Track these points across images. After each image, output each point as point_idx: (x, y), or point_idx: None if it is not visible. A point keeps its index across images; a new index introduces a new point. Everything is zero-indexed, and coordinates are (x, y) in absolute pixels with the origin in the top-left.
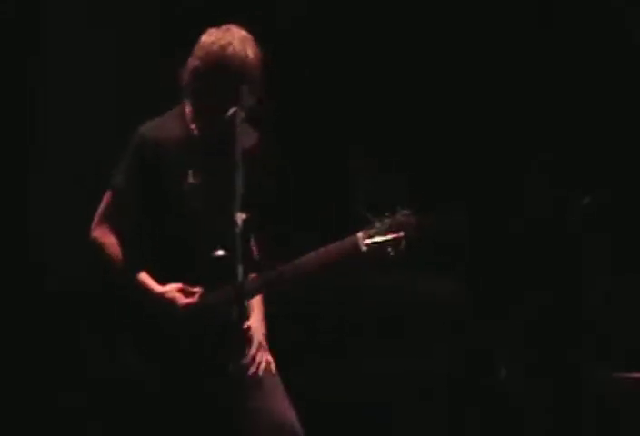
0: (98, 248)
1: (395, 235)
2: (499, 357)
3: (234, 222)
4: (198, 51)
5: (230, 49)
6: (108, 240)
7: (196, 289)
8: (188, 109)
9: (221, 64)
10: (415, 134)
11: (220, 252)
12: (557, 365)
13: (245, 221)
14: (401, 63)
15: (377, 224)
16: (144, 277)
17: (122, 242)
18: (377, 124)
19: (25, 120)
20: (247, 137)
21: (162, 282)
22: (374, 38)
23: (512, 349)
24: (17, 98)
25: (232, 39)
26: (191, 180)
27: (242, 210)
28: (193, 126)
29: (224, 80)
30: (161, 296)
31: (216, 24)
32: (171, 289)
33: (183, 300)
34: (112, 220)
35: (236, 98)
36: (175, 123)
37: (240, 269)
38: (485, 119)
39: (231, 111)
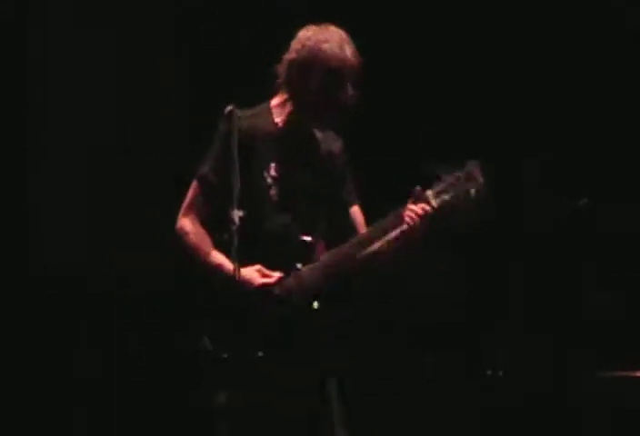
0: (182, 237)
1: (464, 187)
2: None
3: (231, 220)
4: (295, 44)
5: (325, 45)
6: (193, 228)
7: (275, 273)
8: (279, 102)
9: (316, 58)
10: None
11: (307, 238)
12: (557, 365)
13: (241, 218)
14: (402, 62)
15: (446, 178)
16: (222, 258)
17: (206, 230)
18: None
19: (25, 120)
20: (332, 143)
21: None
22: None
23: (512, 348)
24: (17, 98)
25: (329, 36)
26: (273, 173)
27: (238, 207)
28: (278, 119)
29: (318, 74)
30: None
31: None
32: (249, 269)
33: (259, 279)
34: (198, 209)
35: (334, 94)
36: (264, 115)
37: (237, 265)
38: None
39: (227, 108)
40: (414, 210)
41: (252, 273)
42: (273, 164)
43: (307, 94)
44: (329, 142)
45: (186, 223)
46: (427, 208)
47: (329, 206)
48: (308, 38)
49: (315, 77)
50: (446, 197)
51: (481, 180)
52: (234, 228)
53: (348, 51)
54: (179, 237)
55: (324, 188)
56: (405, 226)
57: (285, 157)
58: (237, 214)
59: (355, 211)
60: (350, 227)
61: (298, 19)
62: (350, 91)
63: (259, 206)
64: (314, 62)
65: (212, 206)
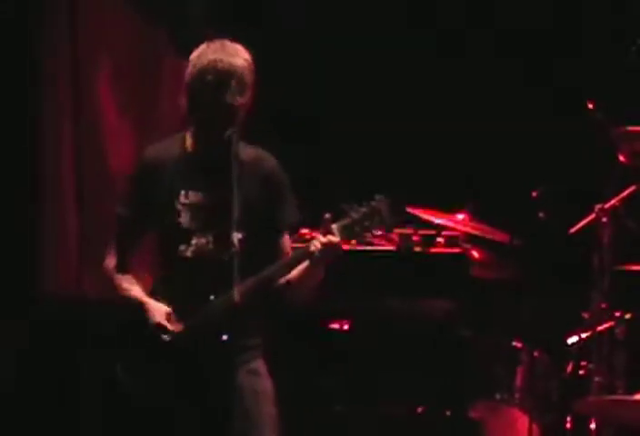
0: (108, 276)
1: (369, 221)
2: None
3: (230, 243)
4: (189, 66)
5: (205, 60)
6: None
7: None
8: (190, 127)
9: (200, 76)
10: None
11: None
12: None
13: (240, 240)
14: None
15: (352, 214)
16: (140, 295)
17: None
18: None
19: (25, 124)
20: (263, 163)
21: (165, 296)
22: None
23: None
24: (17, 98)
25: (213, 52)
26: (183, 200)
27: (238, 230)
28: (188, 143)
29: (203, 92)
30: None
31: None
32: (159, 306)
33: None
34: (119, 245)
35: (221, 112)
36: (175, 143)
37: (235, 290)
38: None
39: (229, 132)
40: (320, 241)
41: (160, 310)
42: (182, 191)
43: (191, 107)
44: (259, 162)
45: (109, 262)
46: (333, 240)
47: (249, 230)
48: (195, 57)
49: (188, 86)
50: (349, 233)
51: (386, 215)
52: (233, 250)
53: (233, 62)
54: (106, 276)
55: (241, 212)
56: (312, 256)
57: (198, 181)
58: (237, 236)
59: (284, 240)
60: (273, 255)
61: (298, 19)
62: (222, 93)
63: (171, 234)
64: (197, 80)
65: (131, 241)
